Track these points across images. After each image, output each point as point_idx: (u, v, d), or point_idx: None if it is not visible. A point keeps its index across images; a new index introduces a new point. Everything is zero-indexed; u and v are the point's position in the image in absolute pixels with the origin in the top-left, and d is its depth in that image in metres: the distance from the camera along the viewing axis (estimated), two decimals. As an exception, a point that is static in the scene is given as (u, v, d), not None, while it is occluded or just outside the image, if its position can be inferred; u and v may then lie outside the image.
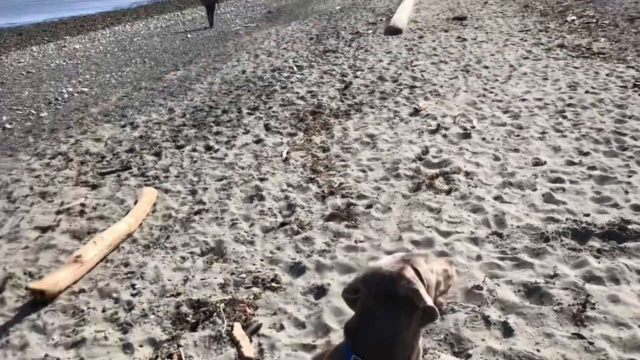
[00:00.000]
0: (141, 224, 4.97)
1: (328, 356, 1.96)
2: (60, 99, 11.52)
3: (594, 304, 3.31)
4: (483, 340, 3.07)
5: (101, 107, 10.12)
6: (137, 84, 12.05)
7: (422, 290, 1.71)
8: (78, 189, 6.02)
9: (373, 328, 1.74)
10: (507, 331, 3.13)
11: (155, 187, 5.72)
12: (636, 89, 7.66)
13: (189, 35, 19.79)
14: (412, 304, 1.70)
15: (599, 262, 3.75)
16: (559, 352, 2.92)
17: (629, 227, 4.10)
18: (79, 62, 16.12)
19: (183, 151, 6.85)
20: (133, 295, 3.85)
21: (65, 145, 7.64)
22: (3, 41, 20.17)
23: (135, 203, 5.26)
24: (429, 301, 1.69)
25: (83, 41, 20.35)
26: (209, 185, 5.70)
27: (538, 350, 2.95)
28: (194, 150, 6.85)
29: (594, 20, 13.56)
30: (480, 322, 3.22)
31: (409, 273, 1.75)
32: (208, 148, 6.87)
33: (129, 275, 4.14)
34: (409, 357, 1.78)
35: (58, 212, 5.41)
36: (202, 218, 5.00)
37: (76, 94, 11.86)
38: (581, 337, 3.04)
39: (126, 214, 5.06)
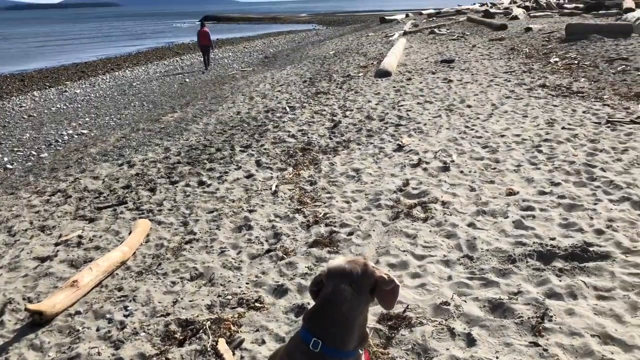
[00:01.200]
0: (135, 252, 5.24)
1: (287, 345, 2.23)
2: (60, 140, 11.92)
3: (551, 316, 3.57)
4: (447, 349, 3.32)
5: (100, 148, 10.50)
6: (135, 126, 12.48)
7: (388, 275, 2.12)
8: (76, 222, 6.31)
9: (336, 313, 2.05)
10: (470, 341, 3.39)
11: (149, 220, 6.02)
12: (609, 124, 8.06)
13: (186, 80, 20.43)
14: (367, 292, 2.08)
15: (560, 280, 4.03)
16: (516, 359, 3.17)
17: (591, 249, 4.39)
18: (79, 105, 16.62)
19: (177, 186, 7.17)
20: (125, 315, 4.10)
21: (65, 183, 7.97)
22: (5, 87, 20.75)
23: (130, 234, 5.55)
24: (396, 279, 2.13)
25: (83, 86, 20.95)
26: (200, 217, 6.00)
27: (497, 358, 3.20)
28: (188, 185, 7.17)
29: (576, 62, 14.15)
30: (446, 333, 3.48)
31: (370, 265, 2.13)
32: (201, 183, 7.20)
33: (122, 298, 4.39)
34: (362, 333, 2.12)
35: (56, 244, 5.69)
36: (192, 247, 5.28)
37: (76, 136, 12.28)
38: (537, 345, 3.29)
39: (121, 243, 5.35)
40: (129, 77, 22.98)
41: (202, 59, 24.39)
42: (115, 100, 17.04)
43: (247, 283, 4.46)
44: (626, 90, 10.39)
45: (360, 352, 2.12)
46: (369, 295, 2.10)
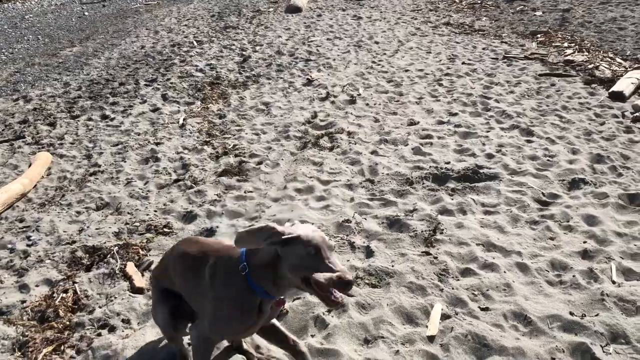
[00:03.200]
0: (36, 185, 5.07)
1: (229, 255, 2.31)
2: (-56, 75, 10.94)
3: (442, 230, 3.90)
4: (348, 260, 3.56)
5: (-9, 83, 9.77)
6: (30, 60, 11.65)
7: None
8: (-32, 158, 5.95)
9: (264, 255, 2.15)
10: (369, 253, 3.65)
11: (51, 153, 5.79)
12: (505, 60, 8.53)
13: (86, 13, 19.13)
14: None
15: (452, 199, 4.37)
16: (409, 266, 3.46)
17: (481, 171, 4.77)
18: (-36, 38, 15.22)
19: (78, 120, 6.89)
20: (29, 245, 4.02)
21: (-48, 119, 7.42)
22: None
23: (30, 167, 5.33)
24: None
25: (-32, 18, 19.11)
26: (105, 150, 5.85)
27: (392, 266, 3.48)
28: (90, 119, 6.91)
29: (479, 2, 14.62)
30: (347, 247, 3.71)
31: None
32: (104, 117, 6.96)
33: (24, 229, 4.28)
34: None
35: (-53, 180, 5.37)
36: (97, 179, 5.17)
37: (-38, 70, 11.31)
38: (429, 254, 3.60)
39: (20, 177, 5.14)
40: (20, 9, 21.14)
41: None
42: (5, 34, 15.70)
43: (155, 211, 4.48)
44: (523, 29, 10.95)
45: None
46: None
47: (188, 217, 4.34)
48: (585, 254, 3.55)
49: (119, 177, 5.17)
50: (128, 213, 4.46)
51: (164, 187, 4.92)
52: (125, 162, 5.51)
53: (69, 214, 4.49)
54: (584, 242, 3.69)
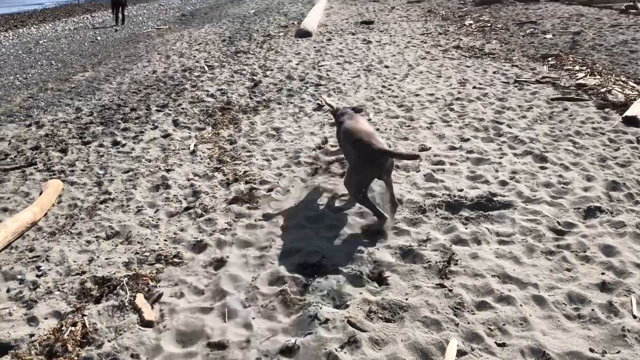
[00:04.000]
0: (46, 213, 5.06)
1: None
2: (-41, 100, 11.07)
3: (457, 260, 3.83)
4: (360, 293, 3.49)
5: (4, 109, 9.86)
6: (43, 85, 11.78)
7: None
8: (-20, 185, 5.97)
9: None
10: (382, 285, 3.58)
11: (62, 180, 5.80)
12: (517, 84, 8.50)
13: (98, 38, 19.41)
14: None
15: (466, 228, 4.30)
16: (423, 299, 3.39)
17: (495, 199, 4.70)
18: (-21, 64, 15.45)
19: (90, 147, 6.91)
20: (38, 276, 3.99)
21: (-34, 145, 7.47)
22: None
23: (40, 194, 5.33)
24: None
25: (-16, 43, 19.44)
26: (115, 177, 5.85)
27: (406, 299, 3.41)
28: (101, 145, 6.93)
29: (489, 25, 14.69)
30: (359, 279, 3.65)
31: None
32: (115, 143, 6.98)
33: (34, 258, 4.25)
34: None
35: (-41, 207, 5.38)
36: (107, 206, 5.16)
37: (-23, 96, 11.44)
38: (443, 286, 3.53)
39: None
40: (35, 34, 21.51)
41: (112, 15, 23.21)
42: (20, 59, 15.94)
43: (165, 240, 4.44)
44: (534, 52, 10.95)
45: None
46: None
47: (198, 246, 4.30)
48: (603, 287, 3.47)
49: (130, 205, 5.15)
50: (138, 242, 4.42)
51: (174, 215, 4.90)
52: (135, 189, 5.50)
53: (79, 243, 4.46)
54: (602, 274, 3.60)
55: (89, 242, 4.49)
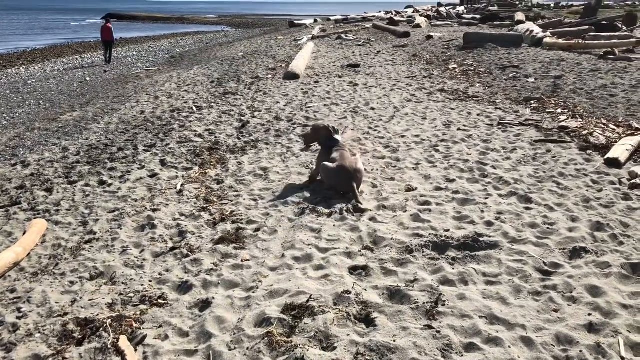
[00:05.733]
0: (29, 253, 4.99)
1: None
2: (-56, 139, 11.01)
3: (444, 301, 3.81)
4: (348, 335, 3.45)
5: (-10, 147, 9.83)
6: (31, 125, 11.80)
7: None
8: (-38, 224, 5.89)
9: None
10: (370, 327, 3.55)
11: (46, 220, 5.74)
12: (500, 126, 8.65)
13: (87, 78, 19.56)
14: None
15: (453, 268, 4.30)
16: (411, 340, 3.35)
17: (481, 239, 4.72)
18: (-34, 103, 15.44)
19: (75, 186, 6.88)
20: (19, 317, 3.90)
21: (-51, 184, 7.40)
22: None
23: (24, 234, 5.27)
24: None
25: (-29, 82, 19.48)
26: (101, 217, 5.81)
27: (394, 340, 3.37)
28: (87, 185, 6.90)
29: (472, 69, 15.03)
30: (346, 320, 3.61)
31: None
32: (101, 183, 6.96)
33: (14, 300, 4.17)
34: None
35: (-61, 247, 5.28)
36: (92, 246, 5.10)
37: (-38, 135, 11.40)
38: (431, 327, 3.50)
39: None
40: (23, 74, 21.61)
41: (102, 56, 23.67)
42: (7, 99, 15.98)
43: (150, 281, 4.39)
44: (516, 95, 11.20)
45: None
46: None
47: (183, 287, 4.25)
48: (591, 328, 3.46)
49: (115, 245, 5.10)
50: (122, 283, 4.36)
51: (159, 256, 4.85)
52: (121, 229, 5.46)
53: (62, 284, 4.39)
54: (589, 315, 3.60)
55: (72, 282, 4.42)
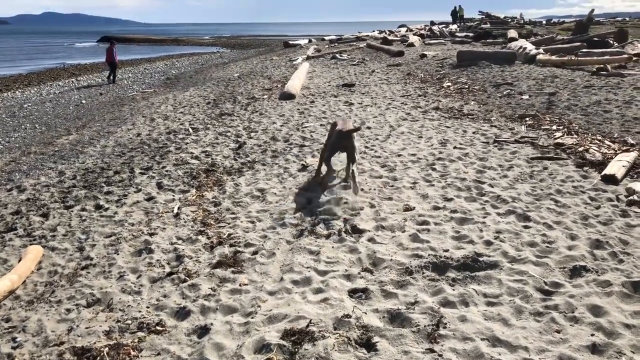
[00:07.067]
0: (25, 281, 4.93)
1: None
2: (-61, 165, 10.97)
3: (446, 324, 3.77)
4: (349, 360, 3.41)
5: (-15, 172, 9.79)
6: (26, 149, 11.78)
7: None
8: (-43, 251, 5.83)
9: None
10: (371, 351, 3.50)
11: (42, 246, 5.69)
12: (496, 144, 8.67)
13: (83, 101, 19.59)
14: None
15: (453, 289, 4.27)
16: (413, 365, 3.31)
17: (481, 259, 4.69)
18: (-39, 128, 15.42)
19: (72, 211, 6.84)
20: (14, 348, 3.85)
21: (-56, 210, 7.35)
22: None
23: (19, 261, 5.22)
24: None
25: (-33, 107, 19.47)
26: (97, 242, 5.76)
27: (396, 365, 3.33)
28: (84, 209, 6.87)
29: (466, 86, 15.11)
30: (347, 345, 3.57)
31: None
32: (98, 207, 6.92)
33: (9, 329, 4.12)
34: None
35: None
36: (89, 272, 5.05)
37: (-42, 160, 11.36)
38: (433, 351, 3.46)
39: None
40: (19, 98, 21.62)
41: (100, 80, 23.99)
42: (3, 123, 15.96)
43: (147, 307, 4.33)
44: (511, 112, 11.25)
45: None
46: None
47: (181, 313, 4.20)
48: (594, 349, 3.43)
49: (112, 271, 5.05)
50: (120, 310, 4.31)
51: (157, 281, 4.80)
52: (118, 254, 5.42)
53: (58, 312, 4.34)
54: (592, 335, 3.57)
55: (68, 310, 4.36)
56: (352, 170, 6.59)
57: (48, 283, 4.93)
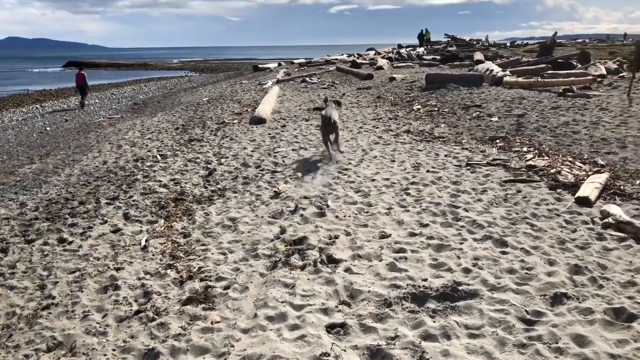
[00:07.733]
0: (-20, 324, 4.62)
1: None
2: None
3: (428, 359, 3.62)
4: (329, 404, 3.22)
5: (-58, 205, 9.35)
6: (-14, 179, 11.32)
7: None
8: None
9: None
10: (351, 393, 3.33)
11: (0, 286, 5.38)
12: (469, 167, 8.66)
13: (47, 128, 19.10)
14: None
15: (434, 322, 4.13)
16: (397, 407, 3.14)
17: (460, 288, 4.57)
18: None
19: (33, 245, 6.53)
20: (-35, 401, 3.55)
21: None
22: None
23: (-26, 303, 4.90)
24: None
25: None
26: (60, 279, 5.47)
27: (378, 407, 3.15)
28: (46, 243, 6.56)
29: (436, 109, 15.20)
30: (326, 387, 3.38)
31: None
32: (61, 241, 6.61)
33: (-39, 380, 3.82)
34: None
35: None
36: (50, 313, 4.77)
37: None
38: (416, 390, 3.30)
39: (-37, 315, 4.69)
40: (-20, 125, 20.99)
41: (65, 106, 23.58)
42: (-38, 151, 15.41)
43: (113, 350, 4.08)
44: (481, 134, 11.31)
45: None
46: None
47: (149, 355, 3.95)
48: (582, 382, 3.32)
49: (75, 310, 4.77)
50: (83, 354, 4.05)
51: (124, 320, 4.55)
52: (82, 291, 5.14)
53: (15, 358, 4.05)
54: (578, 367, 3.46)
55: (27, 356, 4.08)
56: (337, 138, 9.85)
57: (5, 326, 4.63)
